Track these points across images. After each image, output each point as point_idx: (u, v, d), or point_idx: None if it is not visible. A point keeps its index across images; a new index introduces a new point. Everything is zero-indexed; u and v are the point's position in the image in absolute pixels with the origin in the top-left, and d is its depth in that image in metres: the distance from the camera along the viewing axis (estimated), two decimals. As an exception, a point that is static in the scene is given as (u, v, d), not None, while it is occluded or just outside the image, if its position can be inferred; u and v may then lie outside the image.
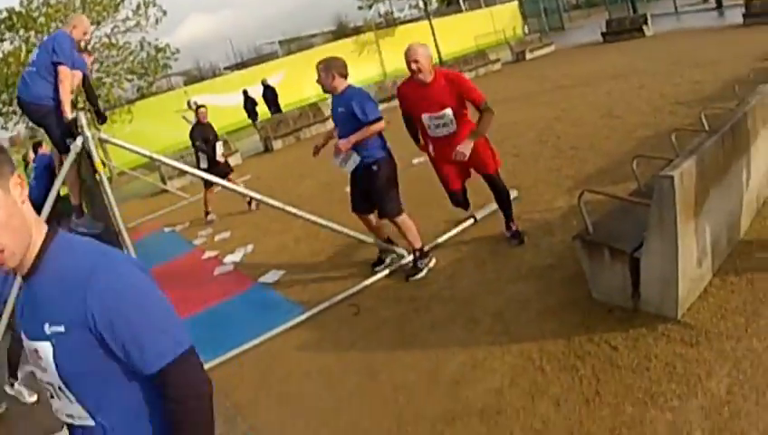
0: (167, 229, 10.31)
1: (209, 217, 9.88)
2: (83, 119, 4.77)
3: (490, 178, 5.21)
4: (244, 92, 21.72)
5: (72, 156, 4.83)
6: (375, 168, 5.14)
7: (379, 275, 5.49)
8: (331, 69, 5.10)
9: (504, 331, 4.07)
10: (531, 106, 12.10)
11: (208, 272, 7.23)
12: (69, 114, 5.19)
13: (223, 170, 9.50)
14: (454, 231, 5.98)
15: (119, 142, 5.24)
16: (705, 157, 3.42)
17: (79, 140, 4.77)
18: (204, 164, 9.55)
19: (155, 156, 5.54)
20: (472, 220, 6.07)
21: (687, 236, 3.32)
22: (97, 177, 4.88)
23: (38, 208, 4.55)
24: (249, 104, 21.36)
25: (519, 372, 3.60)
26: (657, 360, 3.28)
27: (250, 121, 21.51)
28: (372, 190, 5.21)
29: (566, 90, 13.04)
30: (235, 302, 6.08)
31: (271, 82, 21.96)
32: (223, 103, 25.25)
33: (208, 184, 9.39)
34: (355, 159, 5.09)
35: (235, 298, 6.16)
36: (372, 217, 5.48)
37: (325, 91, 5.21)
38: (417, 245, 5.33)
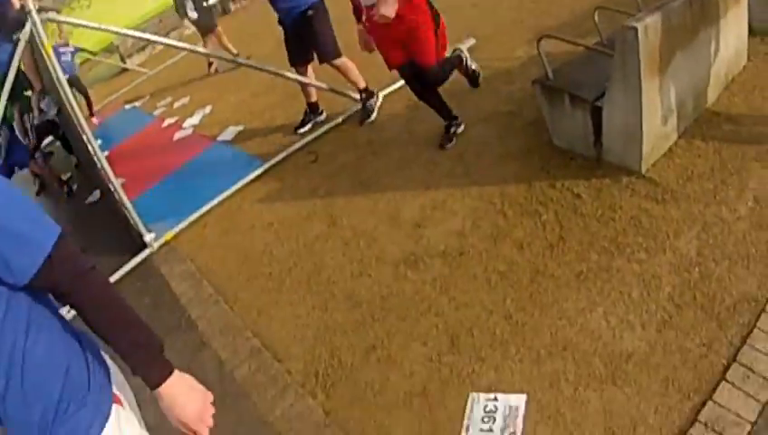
0: (127, 106, 9.94)
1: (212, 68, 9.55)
2: (30, 4, 4.30)
3: (427, 72, 4.14)
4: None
5: (22, 44, 4.44)
6: (311, 12, 4.89)
7: (337, 121, 5.31)
8: None
9: (464, 173, 3.96)
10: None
11: (168, 139, 7.01)
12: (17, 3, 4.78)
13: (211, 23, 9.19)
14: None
15: (70, 20, 4.87)
16: (672, 16, 3.16)
17: (28, 26, 4.35)
18: (193, 14, 9.08)
19: (112, 28, 5.21)
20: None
21: (651, 91, 3.13)
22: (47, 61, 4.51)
23: None
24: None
25: (480, 215, 3.53)
26: (623, 211, 3.16)
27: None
28: (309, 34, 4.96)
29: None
30: (194, 164, 5.94)
31: None
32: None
33: (205, 32, 9.19)
34: None
35: (194, 160, 6.01)
36: (310, 71, 5.30)
37: None
38: (362, 84, 5.18)
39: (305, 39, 5.02)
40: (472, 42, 5.92)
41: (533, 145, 3.92)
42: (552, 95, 3.64)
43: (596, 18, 4.06)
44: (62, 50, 9.33)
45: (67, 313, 1.59)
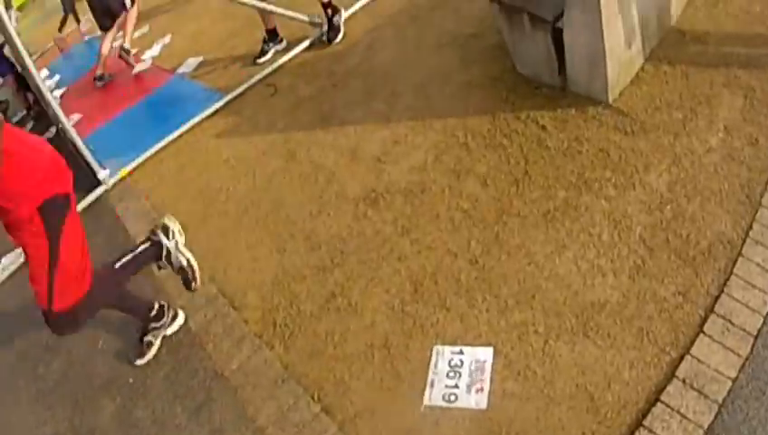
0: (87, 37, 9.48)
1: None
2: None
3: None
4: None
5: None
6: None
7: (298, 50, 5.09)
8: None
9: (425, 106, 3.79)
10: None
11: (127, 72, 6.72)
12: None
13: None
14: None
15: None
16: None
17: None
18: None
19: None
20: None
21: (611, 7, 2.91)
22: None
23: None
24: None
25: (443, 150, 3.38)
26: (590, 144, 3.02)
27: None
28: None
29: None
30: (153, 99, 5.69)
31: None
32: None
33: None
34: None
35: (154, 95, 5.75)
36: None
37: None
38: None
39: None
40: None
41: (497, 72, 3.74)
42: (510, 15, 3.40)
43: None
44: None
45: None
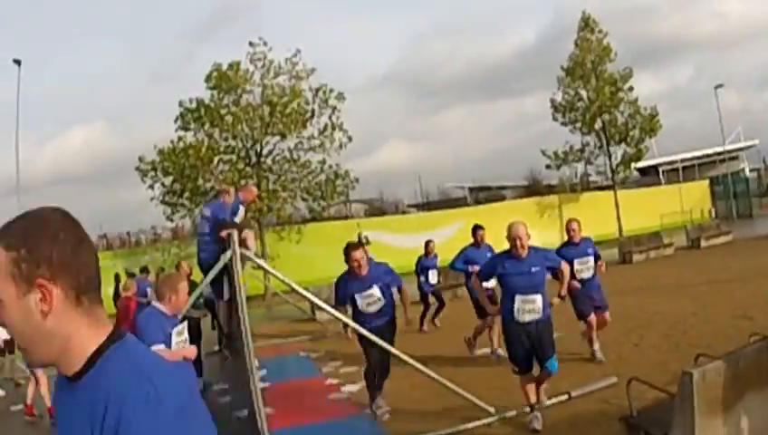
0: (302, 353, 11.25)
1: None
2: (235, 236, 5.76)
3: None
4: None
5: (220, 264, 5.98)
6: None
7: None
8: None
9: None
10: (677, 297, 11.97)
11: (323, 395, 7.90)
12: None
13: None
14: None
15: (260, 262, 6.32)
16: (742, 360, 3.67)
17: (228, 253, 5.80)
18: None
19: (294, 285, 6.44)
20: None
21: (708, 431, 3.52)
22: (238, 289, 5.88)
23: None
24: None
25: None
26: None
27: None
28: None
29: (719, 284, 12.82)
30: (335, 426, 6.71)
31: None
32: (396, 244, 24.53)
33: None
34: None
35: (336, 423, 6.79)
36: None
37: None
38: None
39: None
40: (614, 380, 6.42)
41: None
42: (631, 432, 4.11)
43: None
44: None
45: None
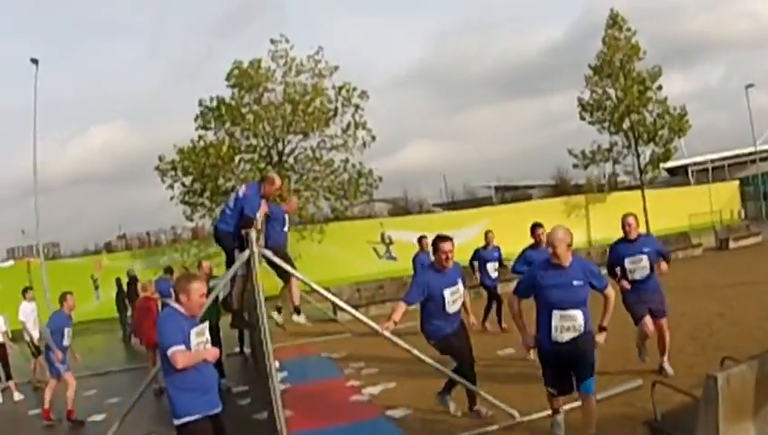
0: (323, 354, 11.25)
1: None
2: (253, 235, 5.69)
3: None
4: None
5: (237, 263, 5.98)
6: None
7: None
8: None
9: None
10: (704, 299, 11.76)
11: (344, 397, 7.89)
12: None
13: None
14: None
15: (278, 261, 6.22)
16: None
17: (246, 253, 5.75)
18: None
19: (314, 285, 6.25)
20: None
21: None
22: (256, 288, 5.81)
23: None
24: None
25: None
26: None
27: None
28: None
29: (747, 286, 12.62)
30: (355, 427, 6.70)
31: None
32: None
33: None
34: None
35: (357, 425, 6.77)
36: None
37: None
38: None
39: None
40: (639, 382, 6.40)
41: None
42: None
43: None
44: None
45: None
